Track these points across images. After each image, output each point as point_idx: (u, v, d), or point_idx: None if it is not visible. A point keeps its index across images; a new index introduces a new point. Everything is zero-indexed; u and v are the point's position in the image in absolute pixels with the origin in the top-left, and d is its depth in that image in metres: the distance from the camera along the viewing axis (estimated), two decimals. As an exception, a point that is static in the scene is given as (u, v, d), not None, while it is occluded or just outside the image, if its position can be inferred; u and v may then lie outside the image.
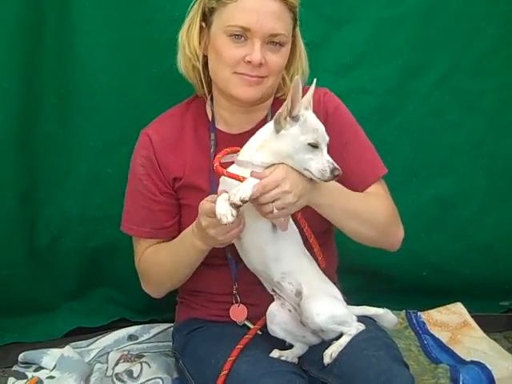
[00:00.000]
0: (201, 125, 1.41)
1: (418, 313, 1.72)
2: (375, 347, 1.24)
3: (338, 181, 1.24)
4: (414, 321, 1.69)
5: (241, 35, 1.25)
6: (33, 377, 1.52)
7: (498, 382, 1.42)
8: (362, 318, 1.31)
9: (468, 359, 1.53)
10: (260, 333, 1.34)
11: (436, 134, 1.82)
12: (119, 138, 1.69)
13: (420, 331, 1.65)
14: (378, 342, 1.26)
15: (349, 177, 1.29)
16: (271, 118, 1.27)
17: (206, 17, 1.30)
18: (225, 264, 1.38)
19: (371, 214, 1.31)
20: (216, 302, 1.41)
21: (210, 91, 1.39)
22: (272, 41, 1.27)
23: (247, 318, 1.37)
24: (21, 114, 1.65)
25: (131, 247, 1.66)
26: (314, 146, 1.16)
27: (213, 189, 1.33)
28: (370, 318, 1.36)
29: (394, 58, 1.74)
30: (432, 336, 1.64)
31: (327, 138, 1.18)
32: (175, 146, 1.39)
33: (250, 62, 1.26)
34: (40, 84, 1.64)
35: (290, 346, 1.31)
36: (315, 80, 1.22)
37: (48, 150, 1.70)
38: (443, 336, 1.65)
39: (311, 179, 1.18)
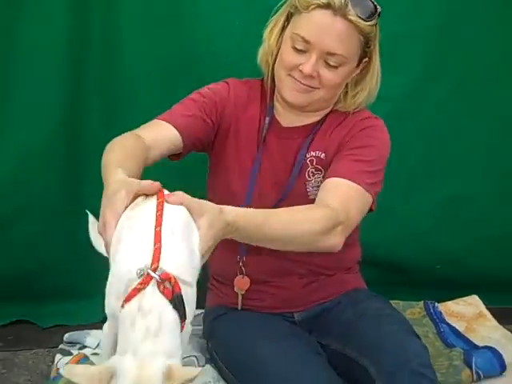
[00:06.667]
0: (263, 104, 1.44)
1: (436, 303, 1.81)
2: (389, 322, 1.35)
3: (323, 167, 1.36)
4: (432, 310, 1.78)
5: (302, 45, 1.28)
6: (78, 353, 1.63)
7: (508, 365, 1.52)
8: (379, 298, 1.45)
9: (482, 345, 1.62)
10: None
11: (449, 139, 1.93)
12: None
13: (437, 320, 1.74)
14: (391, 319, 1.37)
15: (333, 167, 1.33)
16: (321, 125, 1.38)
17: (288, 19, 1.35)
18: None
19: (294, 235, 1.19)
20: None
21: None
22: (328, 58, 1.28)
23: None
24: (68, 119, 1.80)
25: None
26: None
27: (255, 168, 1.40)
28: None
29: (410, 67, 1.84)
30: (448, 325, 1.73)
31: None
32: (243, 109, 1.42)
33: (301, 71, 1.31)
34: (86, 90, 1.78)
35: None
36: None
37: (93, 149, 1.80)
38: (459, 325, 1.73)
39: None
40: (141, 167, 1.15)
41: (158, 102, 1.76)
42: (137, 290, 0.86)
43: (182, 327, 0.88)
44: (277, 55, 1.36)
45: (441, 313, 1.78)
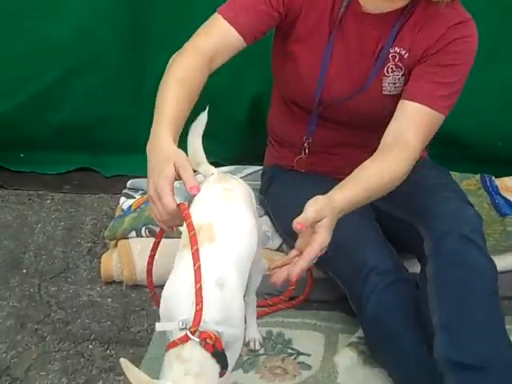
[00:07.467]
0: None
1: (492, 177, 1.83)
2: (445, 189, 1.38)
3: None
4: (488, 184, 1.80)
5: None
6: (142, 196, 1.73)
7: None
8: (437, 167, 1.49)
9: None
10: None
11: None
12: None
13: (493, 192, 1.77)
14: (447, 187, 1.40)
15: (414, 86, 1.27)
16: (408, 17, 1.25)
17: None
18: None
19: (391, 187, 1.21)
20: (294, 154, 1.52)
21: None
22: None
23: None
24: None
25: (232, 99, 1.82)
26: None
27: (327, 52, 1.31)
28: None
29: None
30: (504, 198, 1.76)
31: None
32: None
33: None
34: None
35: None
36: None
37: (159, 7, 1.84)
38: (514, 199, 1.77)
39: None
40: (196, 96, 1.15)
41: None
42: (175, 344, 0.88)
43: (223, 374, 0.90)
44: None
45: (497, 186, 1.80)
